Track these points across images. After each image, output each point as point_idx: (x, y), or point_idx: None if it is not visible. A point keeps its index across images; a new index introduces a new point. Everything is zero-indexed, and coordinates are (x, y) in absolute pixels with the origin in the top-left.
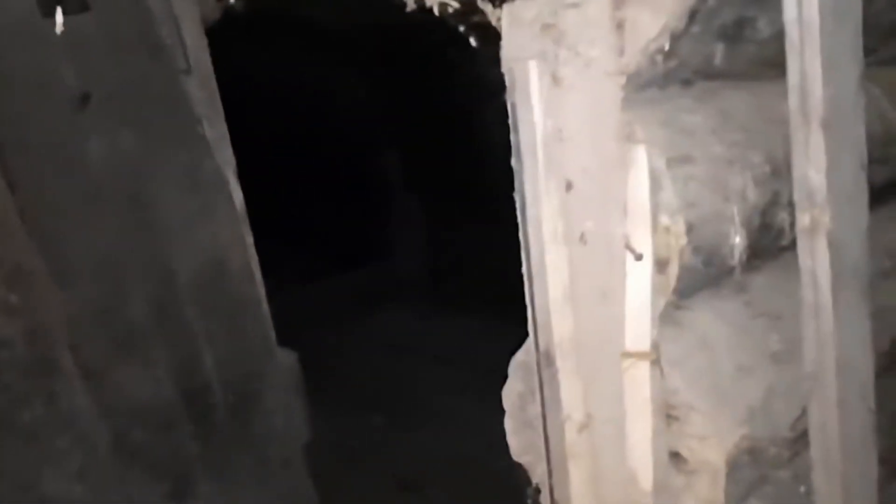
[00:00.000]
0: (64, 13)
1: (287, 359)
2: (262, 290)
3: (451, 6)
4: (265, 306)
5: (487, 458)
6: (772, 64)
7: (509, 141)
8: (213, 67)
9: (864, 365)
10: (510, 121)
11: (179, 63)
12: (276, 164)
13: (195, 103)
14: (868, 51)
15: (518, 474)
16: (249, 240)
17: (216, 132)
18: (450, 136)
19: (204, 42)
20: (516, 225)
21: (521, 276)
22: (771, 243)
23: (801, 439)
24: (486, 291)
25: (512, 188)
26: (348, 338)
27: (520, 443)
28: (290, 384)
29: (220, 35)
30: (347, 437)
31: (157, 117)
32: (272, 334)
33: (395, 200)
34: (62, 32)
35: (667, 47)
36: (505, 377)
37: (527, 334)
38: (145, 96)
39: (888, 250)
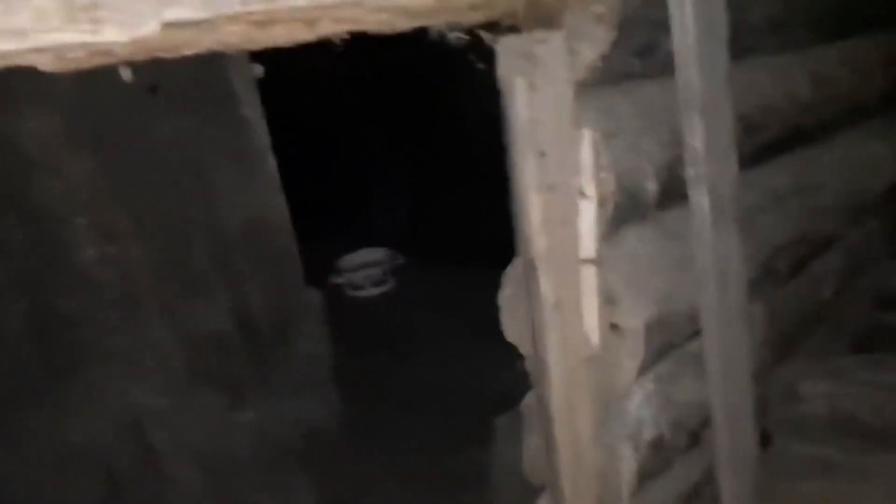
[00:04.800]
0: None
1: (313, 297)
2: (293, 241)
3: (464, 38)
4: (296, 254)
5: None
6: (673, 63)
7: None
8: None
9: (737, 269)
10: (504, 113)
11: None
12: (300, 142)
13: (237, 88)
14: (751, 46)
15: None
16: (283, 200)
17: (253, 113)
18: (460, 124)
19: None
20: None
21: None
22: (678, 189)
23: (697, 318)
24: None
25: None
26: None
27: (511, 328)
28: (317, 317)
29: None
30: (353, 365)
31: (208, 101)
32: (301, 276)
33: (376, 161)
34: None
35: (600, 64)
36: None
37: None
38: (200, 84)
39: (767, 192)
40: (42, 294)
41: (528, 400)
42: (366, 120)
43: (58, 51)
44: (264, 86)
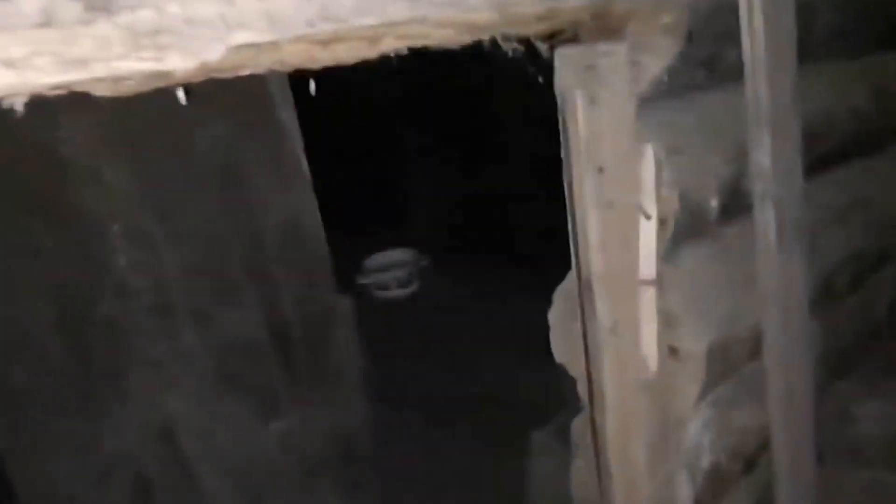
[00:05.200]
0: None
1: (344, 303)
2: (326, 247)
3: (519, 48)
4: (329, 259)
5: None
6: (738, 75)
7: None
8: None
9: (801, 289)
10: (560, 127)
11: None
12: (327, 139)
13: (272, 92)
14: (812, 53)
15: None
16: (316, 205)
17: (289, 116)
18: (494, 127)
19: None
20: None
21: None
22: (740, 204)
23: (758, 340)
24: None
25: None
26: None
27: (561, 348)
28: (347, 324)
29: None
30: (390, 373)
31: (243, 105)
32: (333, 283)
33: (405, 162)
34: None
35: (665, 78)
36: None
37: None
38: (234, 88)
39: (826, 206)
40: (77, 301)
41: (577, 423)
42: (396, 119)
43: (118, 79)
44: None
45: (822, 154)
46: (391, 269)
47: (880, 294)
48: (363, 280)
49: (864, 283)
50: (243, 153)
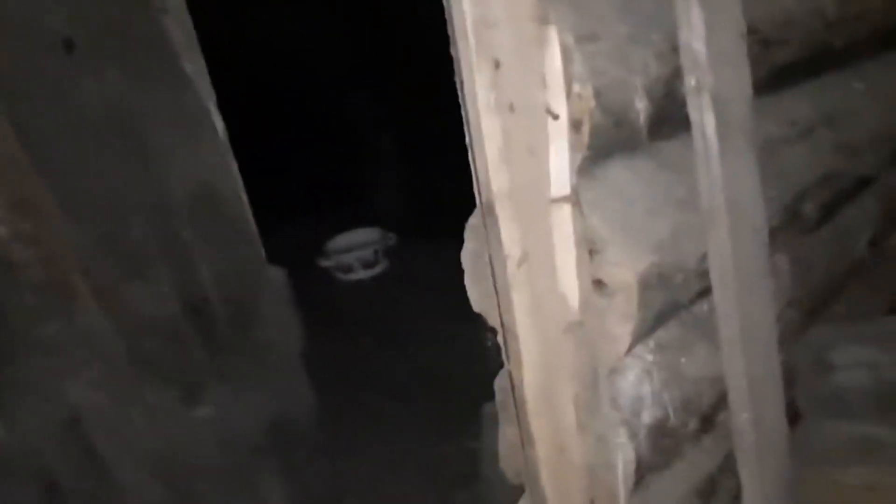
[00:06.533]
0: None
1: (277, 275)
2: (249, 212)
3: None
4: (254, 226)
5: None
6: None
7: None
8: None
9: (754, 204)
10: (446, 14)
11: (156, 2)
12: (257, 108)
13: (173, 41)
14: None
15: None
16: (234, 166)
17: (195, 67)
18: (410, 68)
19: None
20: None
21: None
22: (678, 111)
23: (708, 274)
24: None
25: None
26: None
27: (477, 293)
28: (282, 298)
29: None
30: (338, 351)
31: (140, 55)
32: (262, 252)
33: (368, 137)
34: None
35: None
36: None
37: None
38: (127, 36)
39: (791, 121)
40: None
41: (501, 381)
42: (356, 96)
43: None
44: (252, 57)
45: (785, 63)
46: (355, 249)
47: (859, 226)
48: (325, 262)
49: (839, 213)
50: (142, 109)
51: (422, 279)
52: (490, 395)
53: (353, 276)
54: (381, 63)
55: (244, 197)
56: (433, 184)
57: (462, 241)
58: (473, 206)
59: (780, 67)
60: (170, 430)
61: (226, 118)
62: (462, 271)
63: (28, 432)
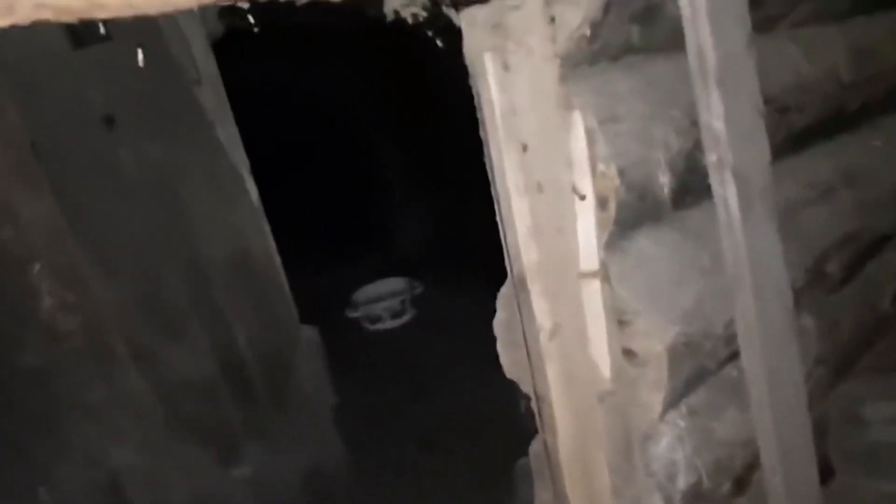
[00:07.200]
0: (87, 44)
1: (310, 333)
2: (282, 273)
3: (422, 15)
4: (286, 287)
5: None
6: (682, 35)
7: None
8: (221, 77)
9: (777, 268)
10: (475, 101)
11: (191, 75)
12: (284, 162)
13: (207, 110)
14: (780, 15)
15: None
16: (267, 228)
17: (228, 134)
18: (432, 116)
19: (211, 55)
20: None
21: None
22: (700, 182)
23: (734, 336)
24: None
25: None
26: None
27: (509, 361)
28: (314, 355)
29: (224, 48)
30: (369, 403)
31: (176, 126)
32: (295, 312)
33: (393, 186)
34: (88, 61)
35: (589, 34)
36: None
37: None
38: (163, 109)
39: (810, 183)
40: (1, 349)
41: (535, 447)
42: (380, 146)
43: None
44: (275, 109)
45: (803, 127)
46: (382, 299)
47: (883, 282)
48: (353, 313)
49: (862, 270)
50: (178, 177)
51: (449, 326)
52: (522, 447)
53: (382, 326)
54: (405, 114)
55: (277, 259)
56: (458, 232)
57: (486, 288)
58: (498, 254)
59: (798, 131)
60: (208, 490)
61: (254, 170)
62: (488, 317)
63: (71, 496)
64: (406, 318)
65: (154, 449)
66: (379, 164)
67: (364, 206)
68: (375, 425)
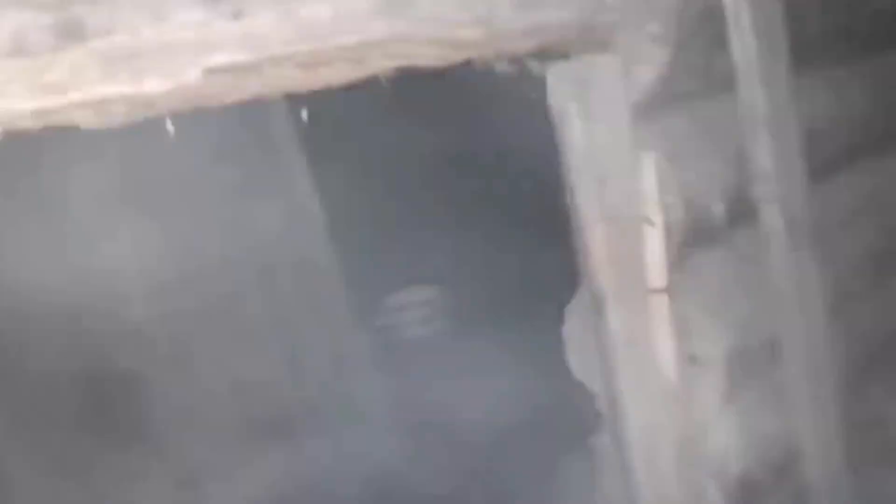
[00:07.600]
0: None
1: (361, 342)
2: (342, 287)
3: (512, 69)
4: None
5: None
6: (734, 80)
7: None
8: None
9: (815, 290)
10: (557, 139)
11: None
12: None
13: (277, 134)
14: (809, 61)
15: None
16: (331, 246)
17: (298, 157)
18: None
19: None
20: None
21: None
22: (748, 208)
23: (776, 343)
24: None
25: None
26: None
27: (579, 364)
28: (365, 363)
29: None
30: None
31: (249, 150)
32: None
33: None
34: None
35: (660, 87)
36: None
37: None
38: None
39: (838, 208)
40: (97, 355)
41: (600, 440)
42: (414, 154)
43: (98, 105)
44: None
45: (829, 157)
46: (412, 307)
47: None
48: (382, 321)
49: (885, 285)
50: (254, 197)
51: (478, 336)
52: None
53: (411, 334)
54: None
55: (339, 272)
56: (489, 243)
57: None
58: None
59: (824, 161)
60: (276, 483)
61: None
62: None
63: (156, 492)
64: (435, 326)
65: (229, 446)
66: (410, 173)
67: (394, 215)
68: (414, 436)
